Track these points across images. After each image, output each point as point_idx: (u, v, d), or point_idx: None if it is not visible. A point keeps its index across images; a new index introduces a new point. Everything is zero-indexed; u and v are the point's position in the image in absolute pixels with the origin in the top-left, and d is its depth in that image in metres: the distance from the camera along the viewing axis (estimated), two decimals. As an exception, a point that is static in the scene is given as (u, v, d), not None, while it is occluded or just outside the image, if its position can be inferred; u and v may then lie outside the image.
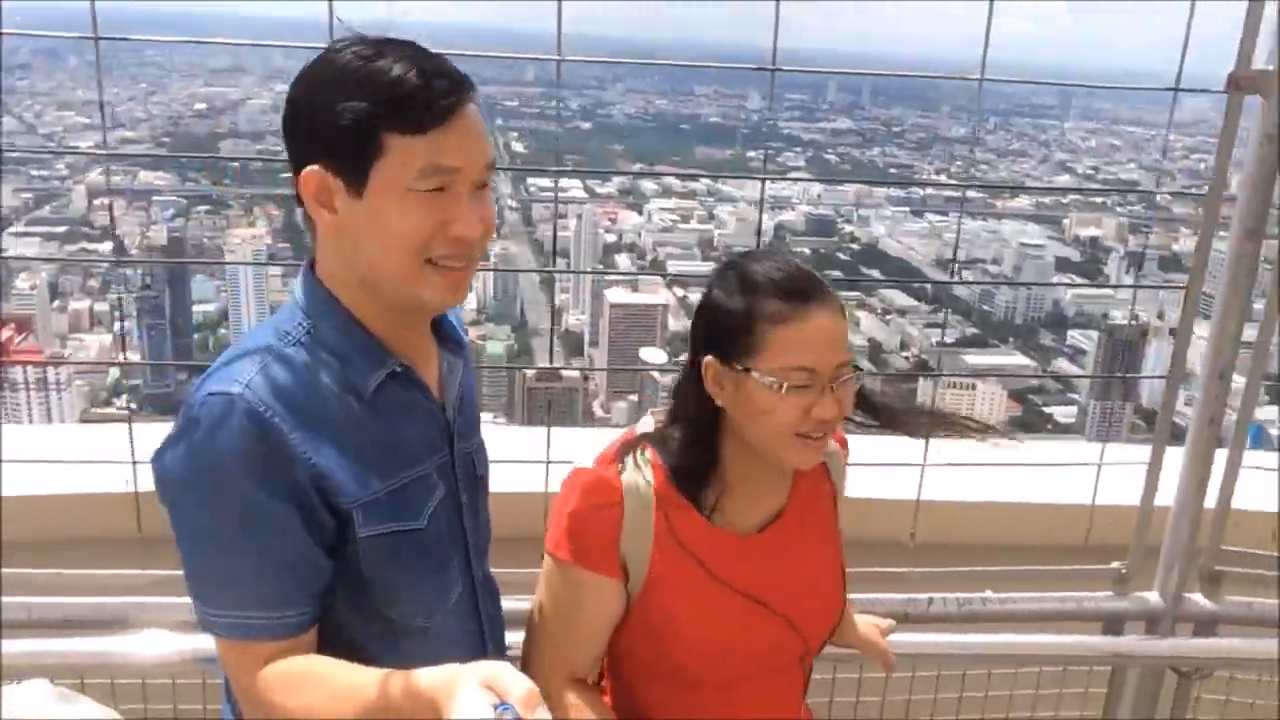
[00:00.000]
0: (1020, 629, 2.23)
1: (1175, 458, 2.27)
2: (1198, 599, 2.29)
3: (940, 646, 2.16)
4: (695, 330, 1.43)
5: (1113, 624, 2.30)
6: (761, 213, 2.28)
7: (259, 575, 1.19)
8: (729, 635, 1.46)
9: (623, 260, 23.97)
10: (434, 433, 1.35)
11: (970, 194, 26.75)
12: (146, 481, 1.24)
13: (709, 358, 1.39)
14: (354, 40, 1.20)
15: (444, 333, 1.40)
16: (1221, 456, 2.24)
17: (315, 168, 1.18)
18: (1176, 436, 2.31)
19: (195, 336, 31.01)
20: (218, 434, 1.15)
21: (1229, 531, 2.28)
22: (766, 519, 1.49)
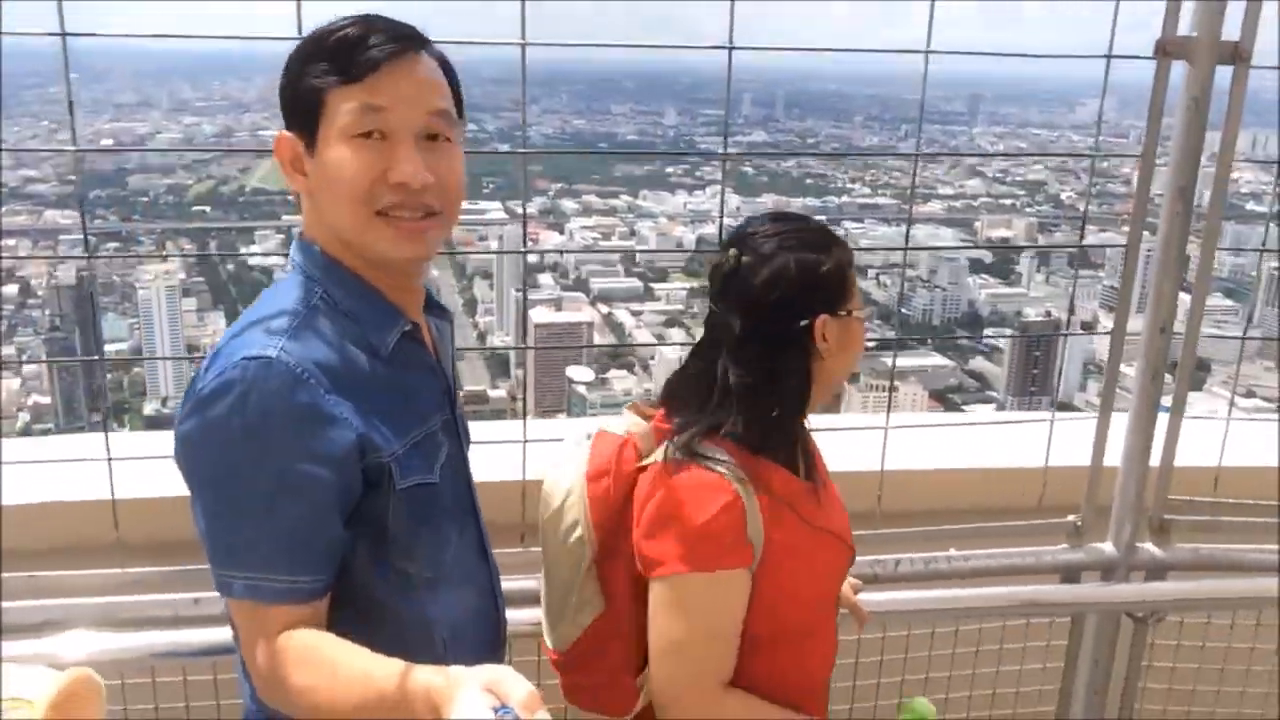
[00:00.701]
0: (984, 584, 2.31)
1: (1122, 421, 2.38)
2: (1149, 548, 2.40)
3: (910, 603, 2.22)
4: (785, 300, 1.47)
5: (1070, 575, 2.39)
6: (723, 201, 2.32)
7: (283, 537, 1.19)
8: (834, 577, 1.57)
9: (546, 280, 24.01)
10: (437, 391, 1.40)
11: (881, 200, 27.40)
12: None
13: (823, 317, 1.47)
14: (353, 17, 1.25)
15: (429, 299, 1.44)
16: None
17: (284, 134, 1.27)
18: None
19: (109, 376, 30.15)
20: (256, 395, 1.16)
21: (1175, 483, 2.39)
22: (809, 461, 1.56)
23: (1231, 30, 2.10)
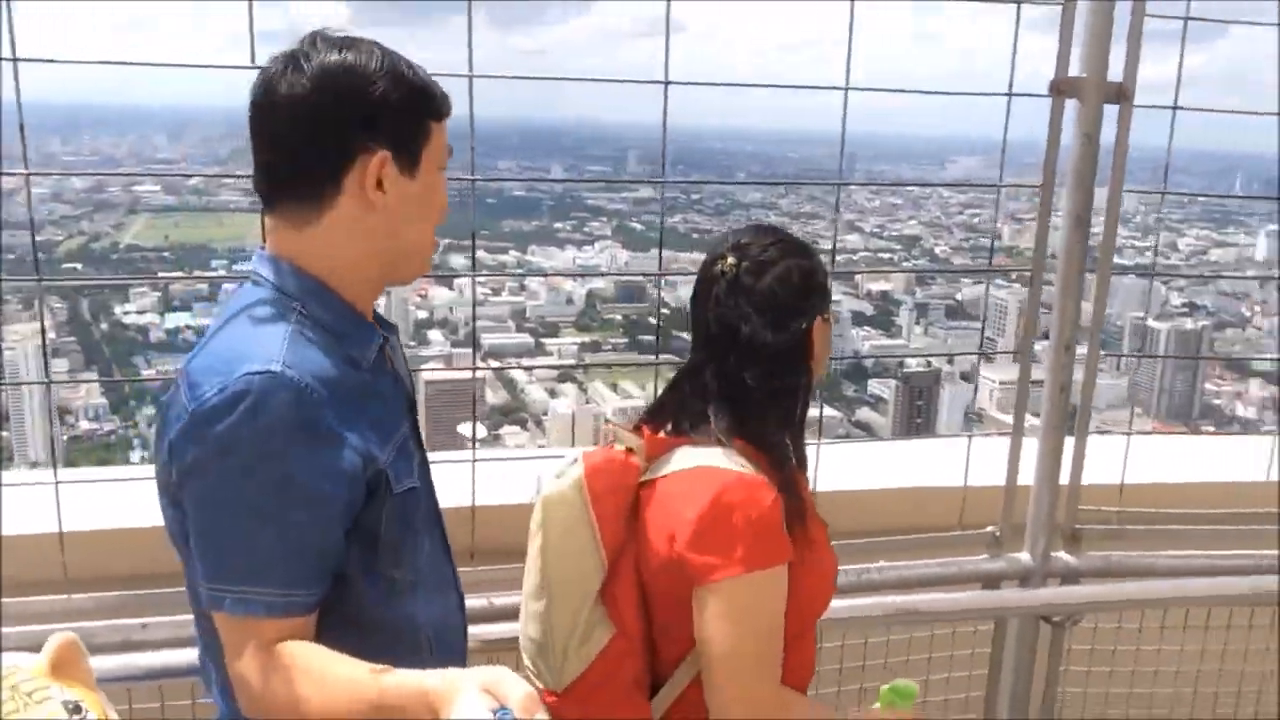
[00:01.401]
0: (912, 593, 2.41)
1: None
2: (1063, 556, 2.53)
3: (843, 611, 2.29)
4: (790, 303, 1.54)
5: (991, 583, 2.51)
6: (663, 221, 2.40)
7: (286, 551, 1.20)
8: (830, 581, 1.63)
9: (435, 335, 23.84)
10: (402, 401, 1.43)
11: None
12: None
13: (819, 319, 1.57)
14: (340, 38, 1.27)
15: (376, 314, 1.47)
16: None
17: (383, 152, 1.26)
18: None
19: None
20: (265, 409, 1.17)
21: (1083, 497, 2.53)
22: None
23: (1117, 72, 2.29)
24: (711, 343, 1.57)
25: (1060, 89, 2.31)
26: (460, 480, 2.15)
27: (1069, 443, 2.48)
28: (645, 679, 1.57)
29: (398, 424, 1.36)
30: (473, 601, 1.94)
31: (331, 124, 1.25)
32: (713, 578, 1.45)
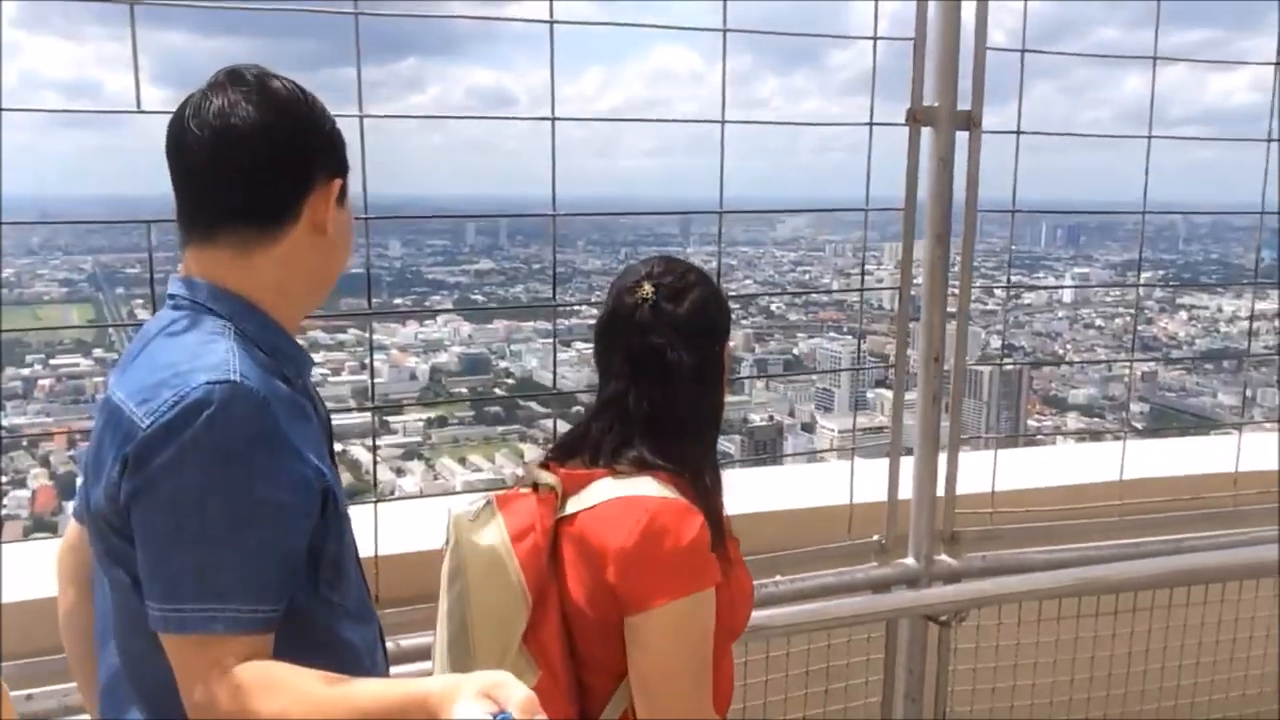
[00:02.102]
0: (810, 603, 2.50)
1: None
2: (945, 558, 2.66)
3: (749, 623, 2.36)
4: (708, 327, 1.60)
5: (881, 588, 2.62)
6: (555, 249, 2.44)
7: (249, 565, 1.17)
8: (751, 590, 1.68)
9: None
10: (321, 427, 1.41)
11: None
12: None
13: (728, 343, 1.63)
14: (258, 70, 1.31)
15: None
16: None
17: (338, 179, 1.34)
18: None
19: None
20: (226, 418, 1.15)
21: (961, 503, 2.68)
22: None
23: (967, 102, 2.49)
24: (635, 369, 1.57)
25: (916, 117, 2.49)
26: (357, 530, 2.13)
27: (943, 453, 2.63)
28: (574, 715, 1.56)
29: (325, 452, 1.35)
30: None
31: (297, 152, 1.29)
32: (647, 605, 1.46)
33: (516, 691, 0.99)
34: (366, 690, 1.09)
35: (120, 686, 1.33)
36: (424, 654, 2.07)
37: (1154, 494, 2.85)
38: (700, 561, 1.48)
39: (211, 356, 1.20)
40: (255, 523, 1.16)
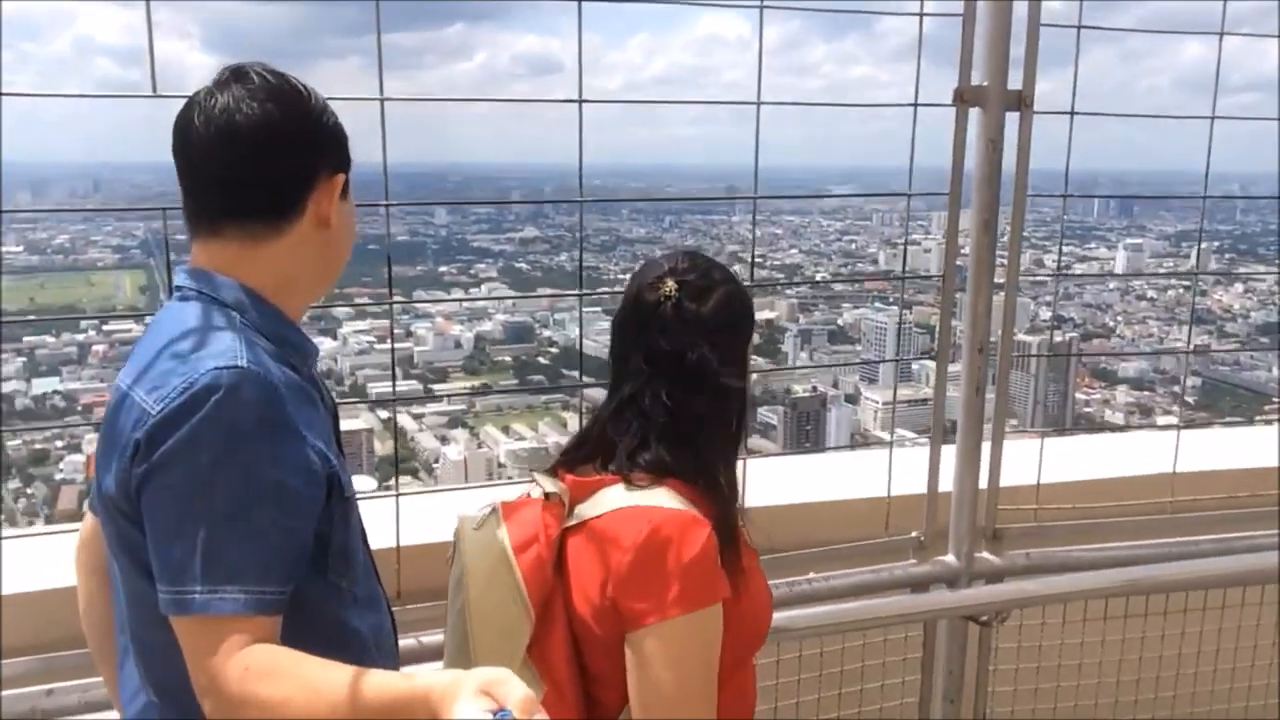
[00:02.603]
0: (845, 601, 2.42)
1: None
2: (987, 556, 2.57)
3: (778, 623, 2.28)
4: (732, 327, 1.56)
5: (919, 588, 2.54)
6: (581, 241, 2.37)
7: (255, 546, 1.18)
8: (769, 601, 1.60)
9: (320, 387, 23.36)
10: (328, 414, 1.43)
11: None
12: None
13: (750, 342, 1.59)
14: (262, 68, 1.33)
15: None
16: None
17: (341, 174, 1.37)
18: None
19: None
20: (235, 402, 1.18)
21: (1004, 496, 2.58)
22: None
23: (1017, 80, 2.37)
24: (654, 368, 1.51)
25: (964, 97, 2.37)
26: (380, 521, 2.09)
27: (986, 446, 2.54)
28: None
29: (333, 439, 1.37)
30: (402, 641, 1.92)
31: (302, 146, 1.33)
32: (646, 622, 1.40)
33: (516, 689, 0.98)
34: (368, 682, 1.08)
35: (135, 675, 1.37)
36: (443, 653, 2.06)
37: (1207, 489, 2.73)
38: (703, 577, 1.41)
39: (219, 344, 1.24)
40: (262, 505, 1.18)
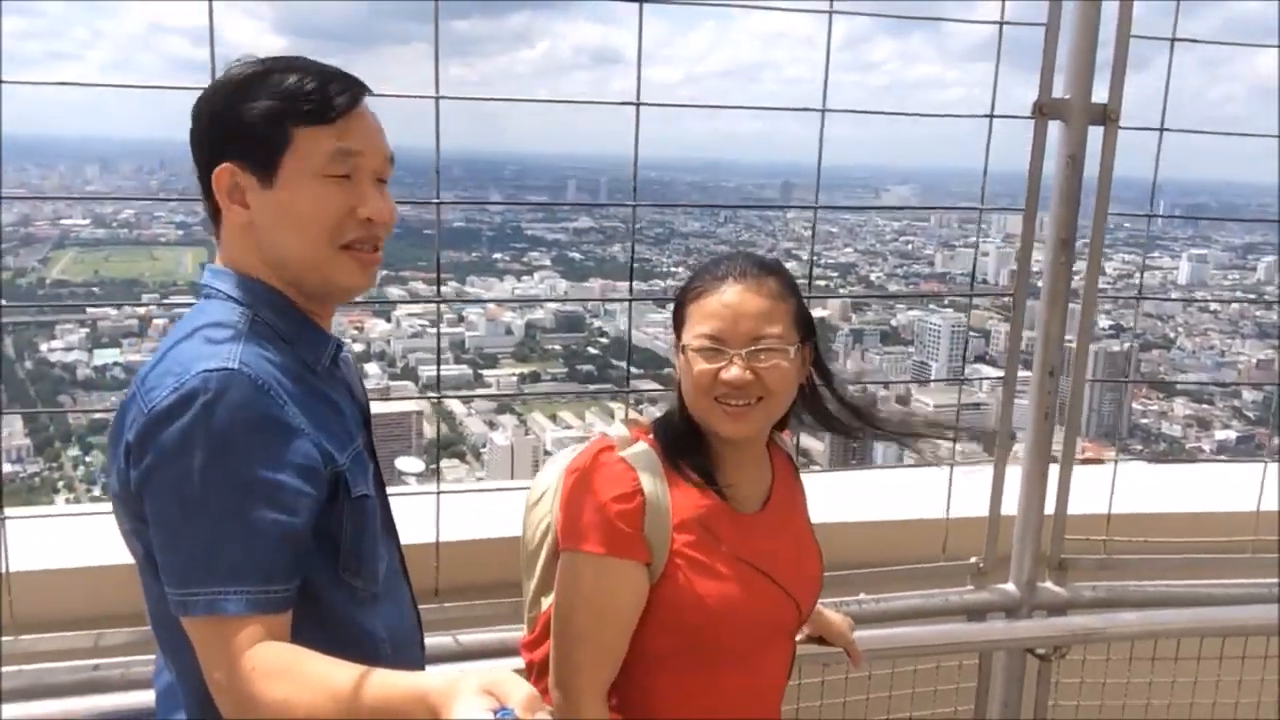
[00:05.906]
0: (896, 625, 2.34)
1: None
2: (1050, 586, 2.47)
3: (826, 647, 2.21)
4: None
5: (976, 615, 2.44)
6: (634, 247, 2.31)
7: (254, 546, 1.18)
8: (747, 604, 1.53)
9: (373, 369, 23.44)
10: (356, 413, 1.43)
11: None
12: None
13: (680, 343, 1.53)
14: (248, 59, 1.33)
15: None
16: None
17: (226, 165, 1.30)
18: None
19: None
20: (222, 405, 1.17)
21: (1072, 525, 2.47)
22: (761, 500, 1.59)
23: (1101, 94, 2.25)
24: None
25: (1044, 110, 2.27)
26: (420, 517, 2.05)
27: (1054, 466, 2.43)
28: None
29: (353, 435, 1.37)
30: (439, 639, 2.01)
31: (205, 141, 1.32)
32: (562, 545, 1.51)
33: (518, 689, 0.99)
34: (372, 682, 1.09)
35: (160, 654, 1.38)
36: (483, 652, 2.06)
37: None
38: (608, 527, 1.45)
39: (218, 346, 1.23)
40: (257, 503, 1.18)
